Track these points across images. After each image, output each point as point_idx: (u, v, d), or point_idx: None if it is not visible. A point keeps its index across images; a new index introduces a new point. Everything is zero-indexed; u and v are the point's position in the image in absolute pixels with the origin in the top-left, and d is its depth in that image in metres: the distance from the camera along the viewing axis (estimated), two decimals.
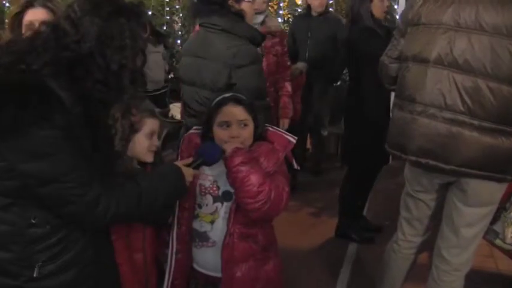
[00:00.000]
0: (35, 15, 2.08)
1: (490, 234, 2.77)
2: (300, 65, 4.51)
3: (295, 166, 1.90)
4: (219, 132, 1.79)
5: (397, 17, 5.37)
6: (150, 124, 1.81)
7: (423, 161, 2.17)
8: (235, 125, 1.78)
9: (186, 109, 2.58)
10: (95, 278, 1.50)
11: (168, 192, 1.59)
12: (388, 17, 5.38)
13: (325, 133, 5.08)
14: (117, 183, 1.46)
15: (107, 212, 1.40)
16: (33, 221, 1.37)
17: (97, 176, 1.39)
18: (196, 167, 1.71)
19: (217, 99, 1.83)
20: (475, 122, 2.05)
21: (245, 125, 1.79)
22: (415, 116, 2.18)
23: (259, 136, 1.84)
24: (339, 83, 5.33)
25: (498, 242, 2.75)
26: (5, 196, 1.35)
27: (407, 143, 2.22)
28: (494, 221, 2.74)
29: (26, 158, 1.29)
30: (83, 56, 1.35)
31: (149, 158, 1.85)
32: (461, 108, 2.06)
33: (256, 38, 2.51)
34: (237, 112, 1.78)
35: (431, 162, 2.15)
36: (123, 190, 1.45)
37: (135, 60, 1.43)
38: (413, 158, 2.21)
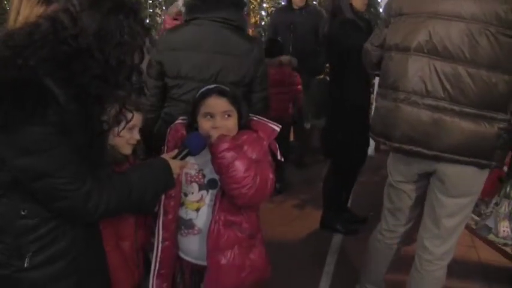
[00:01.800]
0: None
1: (483, 230, 2.80)
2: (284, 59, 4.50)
3: (279, 157, 1.91)
4: (203, 123, 1.81)
5: (381, 9, 5.40)
6: (133, 118, 1.81)
7: (407, 147, 2.21)
8: (219, 116, 1.80)
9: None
10: (83, 269, 1.51)
11: (156, 186, 1.61)
12: (372, 10, 5.42)
13: (307, 126, 5.09)
14: (107, 178, 1.46)
15: (98, 207, 1.40)
16: (23, 213, 1.37)
17: (89, 172, 1.40)
18: (183, 158, 1.73)
19: (202, 90, 1.85)
20: (456, 108, 2.08)
21: (229, 115, 1.81)
22: (398, 104, 2.21)
23: (244, 126, 1.87)
24: (321, 76, 5.35)
25: (491, 237, 2.78)
26: None
27: (391, 130, 2.25)
28: (486, 217, 2.79)
29: (18, 154, 1.29)
30: (81, 51, 1.34)
31: (127, 151, 1.86)
32: (442, 94, 2.09)
33: None
34: (220, 103, 1.80)
35: (415, 148, 2.18)
36: (114, 185, 1.46)
37: (133, 56, 1.44)
38: (397, 145, 2.25)
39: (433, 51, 2.10)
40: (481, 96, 2.06)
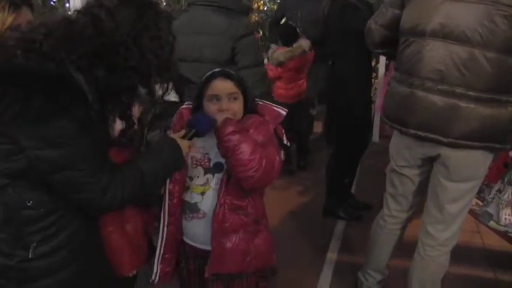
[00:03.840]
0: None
1: (484, 217, 2.79)
2: (304, 43, 4.46)
3: (285, 141, 1.92)
4: (209, 106, 1.81)
5: None
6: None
7: (423, 134, 2.19)
8: (224, 98, 1.79)
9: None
10: (82, 259, 1.52)
11: (167, 167, 1.62)
12: None
13: (314, 112, 5.06)
14: (119, 168, 1.48)
15: (115, 198, 1.43)
16: (28, 204, 1.39)
17: (107, 165, 1.43)
18: (190, 138, 1.73)
19: (207, 74, 1.85)
20: (472, 94, 2.06)
21: (235, 98, 1.81)
22: (414, 90, 2.19)
23: (250, 110, 1.87)
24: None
25: (492, 224, 2.76)
26: (4, 177, 1.36)
27: (407, 116, 2.23)
28: (488, 203, 2.77)
29: (43, 145, 1.31)
30: (118, 44, 1.37)
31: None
32: (458, 80, 2.07)
33: (245, 8, 2.75)
34: (226, 86, 1.80)
35: (431, 135, 2.17)
36: (126, 175, 1.48)
37: (168, 50, 1.48)
38: (414, 132, 2.23)
39: (449, 35, 2.07)
40: (497, 80, 2.04)
